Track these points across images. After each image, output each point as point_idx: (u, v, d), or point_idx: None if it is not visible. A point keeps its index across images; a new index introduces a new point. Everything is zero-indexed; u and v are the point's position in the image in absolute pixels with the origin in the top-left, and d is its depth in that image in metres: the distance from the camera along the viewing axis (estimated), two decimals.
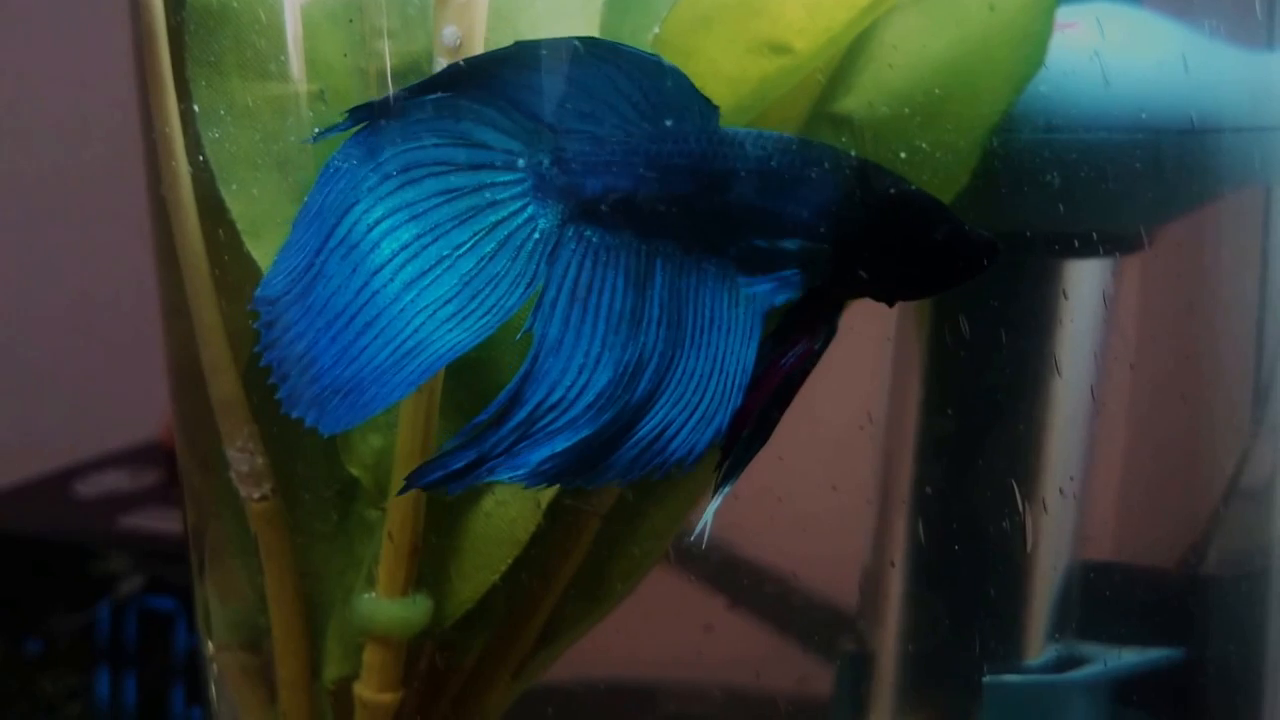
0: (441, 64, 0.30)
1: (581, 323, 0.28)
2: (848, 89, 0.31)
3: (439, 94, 0.28)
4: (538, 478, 0.28)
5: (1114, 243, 0.34)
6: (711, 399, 0.29)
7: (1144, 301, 0.35)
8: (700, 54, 0.31)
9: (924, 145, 0.31)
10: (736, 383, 0.29)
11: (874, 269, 0.29)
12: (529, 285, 0.28)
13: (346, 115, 0.28)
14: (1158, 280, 0.35)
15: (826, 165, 0.28)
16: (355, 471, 0.34)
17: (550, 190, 0.28)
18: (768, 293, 0.29)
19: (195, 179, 0.33)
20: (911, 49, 0.31)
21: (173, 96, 0.32)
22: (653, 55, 0.28)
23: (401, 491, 0.30)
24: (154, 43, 0.32)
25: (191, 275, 0.33)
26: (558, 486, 0.29)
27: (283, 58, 0.32)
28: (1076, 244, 0.33)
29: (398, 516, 0.33)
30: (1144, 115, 0.32)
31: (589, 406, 0.28)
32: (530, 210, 0.28)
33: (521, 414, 0.28)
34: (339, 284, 0.28)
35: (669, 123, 0.28)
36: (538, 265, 0.28)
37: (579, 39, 0.28)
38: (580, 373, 0.28)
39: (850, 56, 0.31)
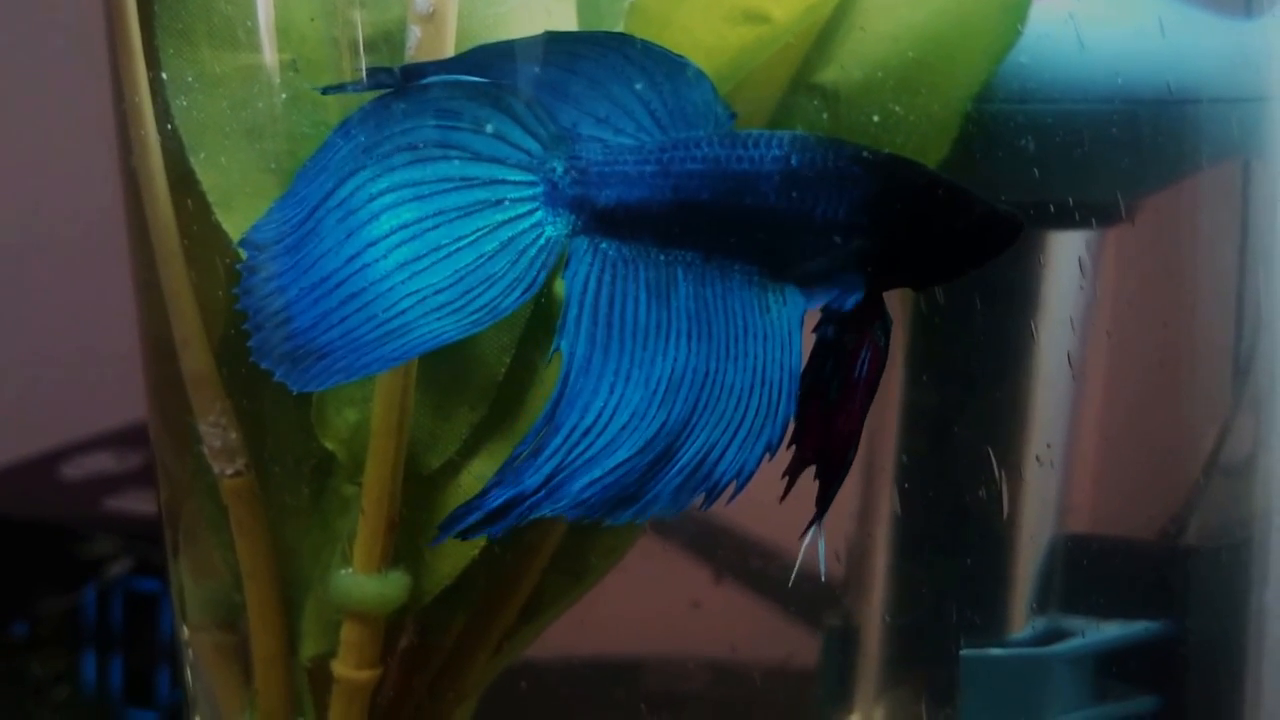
0: (415, 32, 0.30)
1: (608, 339, 0.27)
2: (827, 59, 0.31)
3: (468, 75, 0.27)
4: (580, 508, 0.28)
5: (1092, 213, 0.34)
6: (757, 413, 0.27)
7: (1122, 271, 0.35)
8: (676, 23, 0.31)
9: (898, 109, 0.31)
10: (783, 391, 0.27)
11: (902, 258, 0.28)
12: (526, 290, 0.28)
13: (364, 75, 0.28)
14: (1136, 250, 0.35)
15: (845, 160, 0.27)
16: (330, 446, 0.33)
17: (561, 199, 0.28)
18: (800, 294, 0.28)
19: (164, 149, 0.33)
20: (891, 17, 0.31)
21: (142, 65, 0.32)
22: (679, 56, 0.27)
23: (435, 541, 0.29)
24: (123, 10, 0.32)
25: (162, 247, 0.33)
26: None
27: (251, 24, 0.31)
28: (1054, 213, 0.33)
29: (374, 492, 0.33)
30: (1120, 81, 0.32)
31: (624, 427, 0.27)
32: (538, 215, 0.28)
33: (557, 440, 0.27)
34: (330, 247, 0.28)
35: (686, 130, 0.27)
36: (538, 272, 0.28)
37: (609, 34, 0.27)
38: (612, 391, 0.27)
39: (830, 26, 0.31)
